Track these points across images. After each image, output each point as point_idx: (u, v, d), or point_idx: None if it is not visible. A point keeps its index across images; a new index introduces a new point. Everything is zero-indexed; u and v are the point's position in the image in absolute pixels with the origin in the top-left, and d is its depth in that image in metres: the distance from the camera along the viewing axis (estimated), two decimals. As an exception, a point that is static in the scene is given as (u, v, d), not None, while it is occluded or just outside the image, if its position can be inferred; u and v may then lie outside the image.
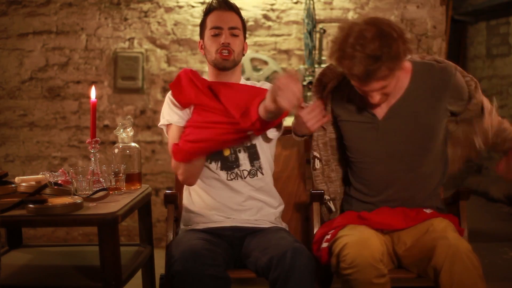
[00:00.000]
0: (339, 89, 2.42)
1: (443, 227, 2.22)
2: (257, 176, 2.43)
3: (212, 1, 2.47)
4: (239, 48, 2.42)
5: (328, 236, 2.27)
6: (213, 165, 2.41)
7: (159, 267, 2.53)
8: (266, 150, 2.47)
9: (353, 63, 2.12)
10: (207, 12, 2.46)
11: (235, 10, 2.47)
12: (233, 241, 2.36)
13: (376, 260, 2.07)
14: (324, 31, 4.07)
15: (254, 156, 2.44)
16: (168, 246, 2.32)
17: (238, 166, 2.42)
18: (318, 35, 4.03)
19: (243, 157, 2.42)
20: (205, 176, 2.42)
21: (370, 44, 2.10)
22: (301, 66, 4.03)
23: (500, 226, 4.97)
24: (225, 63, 2.40)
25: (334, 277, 2.30)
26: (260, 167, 2.44)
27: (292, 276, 2.08)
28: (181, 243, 2.22)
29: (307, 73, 3.90)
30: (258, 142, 2.45)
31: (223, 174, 2.40)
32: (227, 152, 2.42)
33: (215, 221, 2.39)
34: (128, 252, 2.47)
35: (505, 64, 6.25)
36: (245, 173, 2.42)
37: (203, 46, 2.47)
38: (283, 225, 2.51)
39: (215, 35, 2.41)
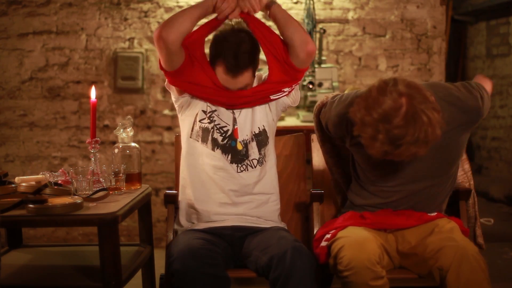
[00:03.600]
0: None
1: (450, 228, 2.23)
2: (264, 163, 2.43)
3: (224, 53, 2.31)
4: (251, 81, 2.39)
5: (328, 236, 2.27)
6: (223, 156, 2.38)
7: (159, 267, 2.53)
8: (272, 133, 2.47)
9: (372, 141, 2.00)
10: (216, 58, 2.34)
11: (246, 66, 2.33)
12: (234, 241, 2.35)
13: (372, 262, 2.08)
14: (324, 31, 4.07)
15: (262, 143, 2.43)
16: (168, 245, 2.32)
17: (247, 157, 2.41)
18: (318, 35, 4.03)
19: (252, 146, 2.42)
20: (213, 167, 2.38)
21: (396, 130, 1.96)
22: (301, 66, 4.02)
23: (500, 226, 4.97)
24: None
25: (334, 277, 2.30)
26: (265, 154, 2.44)
27: (293, 276, 2.09)
28: (180, 242, 2.22)
29: (307, 73, 3.90)
30: (268, 125, 2.44)
31: (234, 167, 2.39)
32: (240, 147, 2.40)
33: (215, 221, 2.38)
34: (128, 252, 2.47)
35: (505, 64, 6.25)
36: (255, 162, 2.41)
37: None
38: (282, 224, 2.51)
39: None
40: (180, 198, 2.48)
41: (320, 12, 4.28)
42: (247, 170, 2.40)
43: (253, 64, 2.37)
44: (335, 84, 3.85)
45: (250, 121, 2.42)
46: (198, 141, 2.40)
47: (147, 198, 2.52)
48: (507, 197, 5.71)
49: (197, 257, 2.10)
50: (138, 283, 2.63)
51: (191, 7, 2.36)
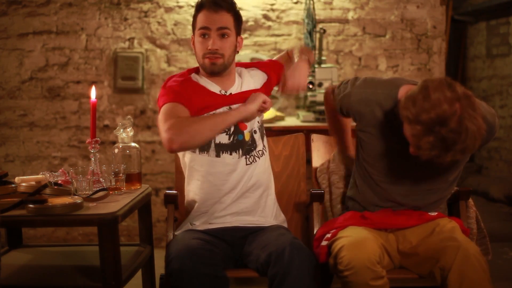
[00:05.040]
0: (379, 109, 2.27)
1: (451, 228, 2.23)
2: (264, 155, 2.44)
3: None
4: (229, 50, 2.35)
5: (329, 235, 2.27)
6: (231, 157, 2.36)
7: (159, 267, 2.53)
8: (263, 127, 2.50)
9: (425, 143, 1.97)
10: (197, 9, 2.37)
11: (226, 7, 2.33)
12: (234, 241, 2.35)
13: (372, 262, 2.08)
14: (324, 31, 4.07)
15: (262, 134, 2.46)
16: (167, 245, 2.32)
17: (255, 147, 2.41)
18: (318, 35, 4.03)
19: (257, 137, 2.42)
20: (219, 173, 2.35)
21: (451, 134, 1.94)
22: (301, 66, 4.02)
23: (500, 226, 4.97)
24: (213, 68, 2.35)
25: (335, 276, 2.30)
26: (265, 145, 2.46)
27: (291, 272, 2.08)
28: (178, 242, 2.22)
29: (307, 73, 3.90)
30: (261, 118, 2.47)
31: (243, 160, 2.38)
32: (247, 137, 2.39)
33: (217, 223, 2.37)
34: (128, 252, 2.47)
35: (505, 64, 6.25)
36: (260, 153, 2.42)
37: (193, 43, 2.40)
38: (281, 218, 2.51)
39: (203, 36, 2.33)
40: (182, 201, 2.47)
41: (320, 12, 4.28)
42: (255, 161, 2.40)
43: (235, 13, 2.37)
44: (335, 84, 3.85)
45: None
46: (195, 152, 2.37)
47: (147, 198, 2.52)
48: (507, 197, 5.71)
49: (195, 257, 2.10)
50: (138, 283, 2.63)
51: (226, 115, 2.28)
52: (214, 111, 2.36)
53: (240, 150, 2.37)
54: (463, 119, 1.94)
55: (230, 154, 2.37)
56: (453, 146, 1.95)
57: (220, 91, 2.41)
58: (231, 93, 2.40)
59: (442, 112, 1.94)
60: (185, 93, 2.34)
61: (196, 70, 2.50)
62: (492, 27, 6.44)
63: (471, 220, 2.44)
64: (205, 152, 2.36)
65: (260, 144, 2.43)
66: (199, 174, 2.39)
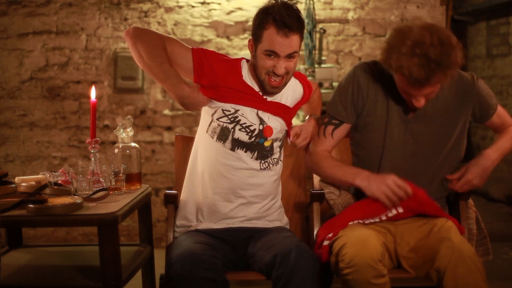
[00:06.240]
0: (371, 85, 2.35)
1: (447, 228, 2.22)
2: (278, 164, 2.44)
3: (274, 13, 2.20)
4: (293, 69, 2.31)
5: (330, 235, 2.27)
6: (246, 155, 2.35)
7: (159, 267, 2.53)
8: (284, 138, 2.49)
9: (413, 66, 2.08)
10: (264, 21, 2.22)
11: (297, 28, 2.22)
12: (238, 242, 2.34)
13: (375, 260, 2.07)
14: (324, 31, 4.07)
15: (281, 144, 2.45)
16: (168, 247, 2.31)
17: (271, 155, 2.40)
18: (318, 35, 4.03)
19: (276, 145, 2.42)
20: (230, 167, 2.34)
21: (431, 48, 2.08)
22: (301, 66, 4.03)
23: (500, 226, 4.98)
24: (274, 90, 2.33)
25: (335, 277, 2.30)
26: (280, 154, 2.46)
27: (295, 275, 2.08)
28: (181, 245, 2.21)
29: (307, 73, 3.90)
30: (285, 128, 2.44)
31: (257, 163, 2.36)
32: (268, 143, 2.38)
33: (223, 223, 2.37)
34: (128, 252, 2.47)
35: (505, 64, 6.25)
36: (275, 161, 2.42)
37: (252, 50, 2.30)
38: (285, 220, 2.52)
39: (269, 56, 2.24)
40: (185, 194, 2.45)
41: (320, 12, 4.28)
42: (269, 168, 2.39)
43: (303, 30, 2.28)
44: (335, 84, 3.85)
45: (276, 121, 2.40)
46: (213, 138, 2.35)
47: (147, 198, 2.52)
48: (507, 197, 5.72)
49: (196, 261, 2.08)
50: (138, 283, 2.63)
51: (166, 71, 2.22)
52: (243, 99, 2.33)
53: (256, 152, 2.36)
54: (434, 35, 2.10)
55: (245, 152, 2.35)
56: (438, 59, 2.08)
57: (258, 91, 2.36)
58: (266, 98, 2.37)
59: (414, 37, 2.10)
60: (215, 68, 2.31)
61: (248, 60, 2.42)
62: (492, 27, 6.44)
63: (471, 220, 2.44)
64: (222, 141, 2.34)
65: (277, 153, 2.42)
66: (210, 160, 2.36)
